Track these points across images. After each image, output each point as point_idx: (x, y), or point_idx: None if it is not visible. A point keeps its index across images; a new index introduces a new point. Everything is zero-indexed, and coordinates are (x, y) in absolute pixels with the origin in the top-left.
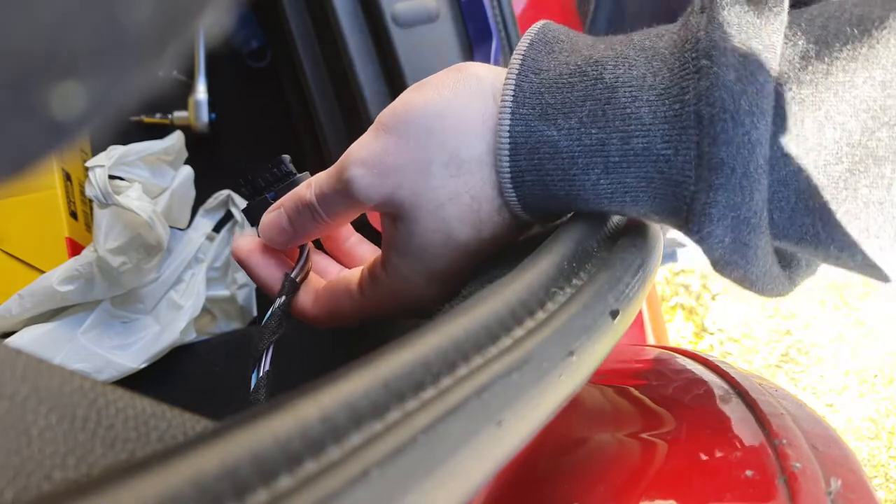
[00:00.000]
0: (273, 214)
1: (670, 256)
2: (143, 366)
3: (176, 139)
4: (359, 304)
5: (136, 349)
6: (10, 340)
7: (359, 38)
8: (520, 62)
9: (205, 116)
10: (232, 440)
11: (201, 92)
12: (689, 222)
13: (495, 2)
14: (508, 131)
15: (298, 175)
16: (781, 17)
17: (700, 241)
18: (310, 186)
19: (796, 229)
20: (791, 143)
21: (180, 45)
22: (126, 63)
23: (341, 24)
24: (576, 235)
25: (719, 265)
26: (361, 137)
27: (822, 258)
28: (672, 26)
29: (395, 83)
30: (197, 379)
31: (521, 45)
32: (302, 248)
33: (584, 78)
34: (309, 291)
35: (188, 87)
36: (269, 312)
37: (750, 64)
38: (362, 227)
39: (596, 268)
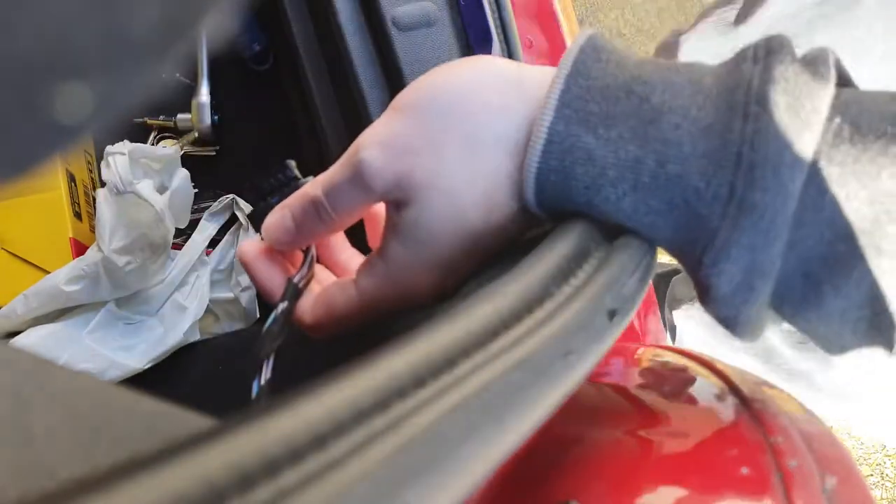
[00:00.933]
0: (277, 215)
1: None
2: (148, 366)
3: (173, 151)
4: (354, 300)
5: (140, 350)
6: (16, 340)
7: (360, 41)
8: (571, 64)
9: (207, 119)
10: (236, 436)
11: (204, 94)
12: (705, 256)
13: (494, 6)
14: (548, 129)
15: (303, 179)
16: (830, 85)
17: (709, 276)
18: (315, 183)
19: (788, 289)
20: (808, 211)
21: (184, 48)
22: (130, 65)
23: (343, 27)
24: (574, 235)
25: (716, 302)
26: (374, 122)
27: (797, 320)
28: (717, 67)
29: (395, 86)
30: (200, 378)
31: (573, 49)
32: (306, 252)
33: (631, 95)
34: (308, 298)
35: (191, 89)
36: (271, 318)
37: (799, 122)
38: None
39: (594, 268)
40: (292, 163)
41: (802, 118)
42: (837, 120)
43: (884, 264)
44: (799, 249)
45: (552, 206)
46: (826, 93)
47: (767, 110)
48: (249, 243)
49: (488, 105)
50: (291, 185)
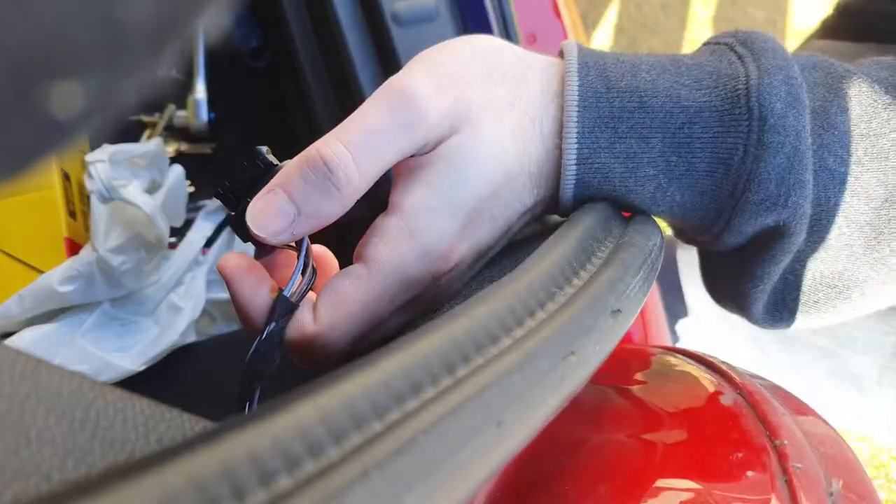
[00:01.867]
0: (265, 199)
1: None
2: (143, 368)
3: (156, 145)
4: (366, 280)
5: (135, 351)
6: (10, 341)
7: (358, 37)
8: (574, 43)
9: (204, 116)
10: (230, 441)
11: (200, 91)
12: (750, 83)
13: (495, 0)
14: (577, 49)
15: (281, 164)
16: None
17: (761, 94)
18: (327, 139)
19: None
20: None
21: (179, 44)
22: (125, 62)
23: (341, 22)
24: (577, 235)
25: (773, 133)
26: (404, 68)
27: (826, 156)
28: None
29: None
30: (196, 380)
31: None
32: (299, 254)
33: (633, 54)
34: (306, 309)
35: (187, 86)
36: (254, 346)
37: (772, 41)
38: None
39: (597, 267)
40: (264, 148)
41: (759, 32)
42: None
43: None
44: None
45: (593, 101)
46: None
47: (731, 32)
48: (231, 255)
49: (518, 55)
50: (268, 174)
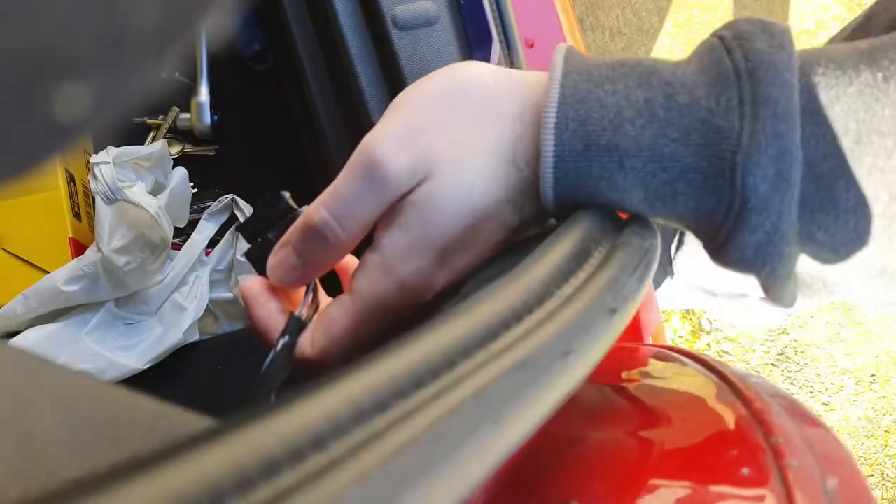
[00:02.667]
0: (279, 255)
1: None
2: (147, 366)
3: (160, 147)
4: (351, 308)
5: (140, 350)
6: (16, 340)
7: (359, 40)
8: (564, 51)
9: (207, 118)
10: (236, 437)
11: (203, 94)
12: (737, 156)
13: (494, 5)
14: (559, 86)
15: (298, 210)
16: (788, 27)
17: (745, 177)
18: (316, 206)
19: (805, 197)
20: (805, 115)
21: (182, 48)
22: (129, 64)
23: (342, 26)
24: (575, 236)
25: (755, 212)
26: (375, 126)
27: (815, 231)
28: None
29: (395, 85)
30: (200, 378)
31: (559, 50)
32: (307, 285)
33: (623, 65)
34: (307, 332)
35: (190, 89)
36: (269, 358)
37: (776, 42)
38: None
39: (594, 267)
40: (286, 194)
41: (777, 41)
42: (803, 50)
43: (888, 143)
44: (807, 153)
45: (571, 162)
46: (787, 29)
47: (747, 39)
48: (252, 279)
49: (488, 88)
50: (288, 218)
